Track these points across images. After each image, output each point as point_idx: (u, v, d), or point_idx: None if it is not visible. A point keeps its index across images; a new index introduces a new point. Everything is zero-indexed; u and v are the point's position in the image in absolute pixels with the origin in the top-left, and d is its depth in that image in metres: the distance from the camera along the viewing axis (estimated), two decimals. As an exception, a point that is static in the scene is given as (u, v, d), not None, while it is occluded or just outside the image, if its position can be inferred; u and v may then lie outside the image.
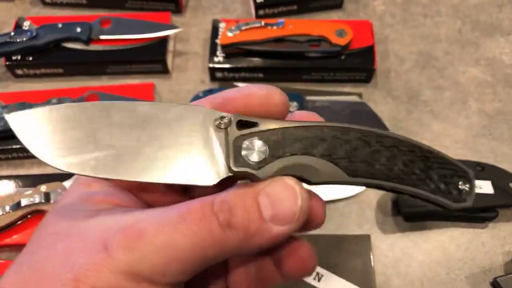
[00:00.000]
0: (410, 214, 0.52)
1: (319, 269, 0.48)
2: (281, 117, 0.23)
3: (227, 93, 0.23)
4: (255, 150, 0.22)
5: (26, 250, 0.22)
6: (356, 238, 0.50)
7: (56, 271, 0.19)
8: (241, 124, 0.22)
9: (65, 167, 0.20)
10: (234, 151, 0.21)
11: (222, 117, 0.22)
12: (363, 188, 0.54)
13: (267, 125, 0.22)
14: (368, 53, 0.60)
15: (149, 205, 0.24)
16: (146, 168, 0.21)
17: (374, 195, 0.54)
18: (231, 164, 0.21)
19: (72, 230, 0.20)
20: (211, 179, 0.21)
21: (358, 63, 0.60)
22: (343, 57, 0.60)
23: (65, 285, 0.19)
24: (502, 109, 0.60)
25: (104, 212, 0.21)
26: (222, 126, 0.22)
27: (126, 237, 0.19)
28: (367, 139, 0.23)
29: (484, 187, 0.51)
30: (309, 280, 0.48)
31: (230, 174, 0.21)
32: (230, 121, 0.22)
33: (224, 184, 0.22)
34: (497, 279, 0.47)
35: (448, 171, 0.24)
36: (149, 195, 0.24)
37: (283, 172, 0.22)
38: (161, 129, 0.21)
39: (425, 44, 0.65)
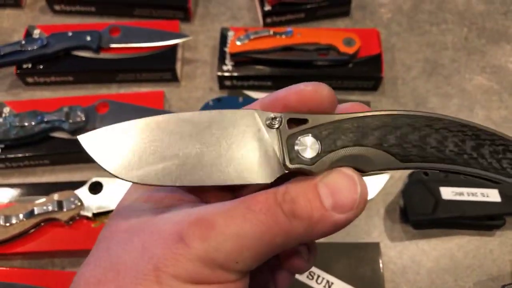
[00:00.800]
0: (418, 222, 0.52)
1: (329, 277, 0.49)
2: (330, 111, 0.24)
3: (276, 94, 0.24)
4: (307, 146, 0.23)
5: (97, 248, 0.23)
6: (365, 246, 0.51)
7: (135, 263, 0.20)
8: (292, 122, 0.23)
9: (137, 180, 0.22)
10: (288, 149, 0.23)
11: (273, 118, 0.23)
12: (372, 195, 0.54)
13: (317, 121, 0.23)
14: (375, 62, 0.61)
15: (204, 202, 0.25)
16: (208, 173, 0.22)
17: (382, 203, 0.55)
18: (286, 162, 0.22)
19: (144, 225, 0.22)
20: (268, 177, 0.23)
21: (365, 72, 0.60)
22: (351, 65, 0.61)
23: (146, 275, 0.20)
24: (509, 117, 0.60)
25: (171, 207, 0.23)
26: (275, 125, 0.23)
27: (200, 228, 0.20)
28: (416, 124, 0.24)
29: (492, 195, 0.51)
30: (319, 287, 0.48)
31: (286, 171, 0.22)
32: (281, 120, 0.23)
33: (277, 180, 0.23)
34: (505, 287, 0.48)
35: (499, 147, 0.24)
36: (203, 193, 0.25)
37: (337, 164, 0.23)
38: (218, 135, 0.23)
39: (431, 51, 0.66)
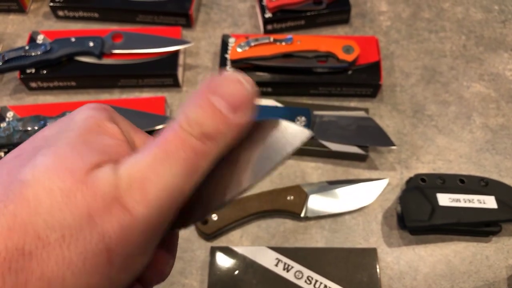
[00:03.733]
0: (415, 228, 0.53)
1: (326, 281, 0.50)
2: None
3: None
4: None
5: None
6: (362, 251, 0.52)
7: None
8: None
9: None
10: None
11: None
12: (370, 201, 0.55)
13: None
14: (374, 69, 0.61)
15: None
16: None
17: (380, 209, 0.56)
18: None
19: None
20: None
21: (364, 79, 0.61)
22: (350, 72, 0.61)
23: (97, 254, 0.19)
24: (506, 124, 0.61)
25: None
26: None
27: (137, 190, 0.20)
28: None
29: (488, 202, 0.52)
30: (317, 292, 0.49)
31: None
32: None
33: None
34: (501, 293, 0.49)
35: None
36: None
37: None
38: None
39: (430, 59, 0.67)
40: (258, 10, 0.69)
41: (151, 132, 0.57)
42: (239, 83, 0.21)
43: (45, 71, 0.63)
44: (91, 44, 0.63)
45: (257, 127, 0.23)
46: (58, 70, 0.63)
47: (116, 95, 0.65)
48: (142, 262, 0.21)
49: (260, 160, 0.23)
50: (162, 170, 0.20)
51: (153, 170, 0.20)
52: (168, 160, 0.20)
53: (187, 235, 0.55)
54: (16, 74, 0.63)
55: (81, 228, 0.18)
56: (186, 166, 0.20)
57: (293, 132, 0.23)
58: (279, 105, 0.60)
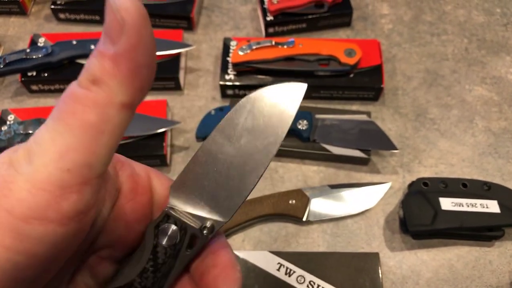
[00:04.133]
0: (417, 232, 0.53)
1: (328, 286, 0.49)
2: None
3: None
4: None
5: None
6: (364, 255, 0.51)
7: None
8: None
9: None
10: None
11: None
12: (372, 204, 0.55)
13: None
14: (376, 72, 0.61)
15: None
16: None
17: (382, 213, 0.55)
18: None
19: None
20: None
21: (366, 82, 0.61)
22: (352, 75, 0.61)
23: None
24: (508, 128, 0.61)
25: None
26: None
27: (27, 150, 0.19)
28: None
29: (491, 206, 0.52)
30: (319, 297, 0.49)
31: None
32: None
33: None
34: (504, 298, 0.48)
35: None
36: None
37: None
38: None
39: (432, 62, 0.66)
40: (259, 13, 0.69)
41: (153, 136, 0.57)
42: (111, 11, 0.18)
43: (46, 74, 0.63)
44: (92, 47, 0.63)
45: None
46: (59, 73, 0.63)
47: (118, 98, 0.64)
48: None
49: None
50: (55, 125, 0.18)
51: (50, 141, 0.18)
52: (64, 118, 0.18)
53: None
54: (17, 77, 0.63)
55: None
56: (75, 122, 0.18)
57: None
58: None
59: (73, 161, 0.18)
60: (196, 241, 0.23)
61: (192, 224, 0.23)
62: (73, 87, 0.19)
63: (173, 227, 0.23)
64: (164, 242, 0.23)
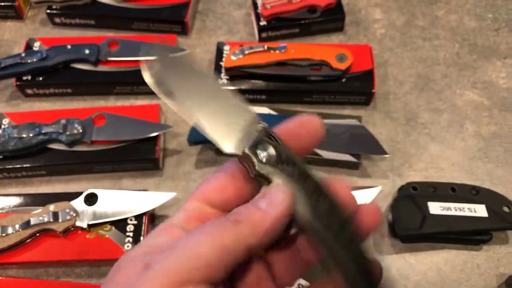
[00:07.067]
0: (406, 236, 0.53)
1: (317, 289, 0.50)
2: (316, 139, 0.27)
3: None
4: (267, 152, 0.25)
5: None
6: (354, 259, 0.52)
7: None
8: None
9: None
10: (253, 144, 0.25)
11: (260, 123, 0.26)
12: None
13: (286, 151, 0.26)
14: (367, 77, 0.62)
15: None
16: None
17: (372, 217, 0.56)
18: (245, 147, 0.25)
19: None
20: (227, 148, 0.26)
21: (357, 87, 0.61)
22: (343, 80, 0.62)
23: None
24: (498, 132, 0.61)
25: None
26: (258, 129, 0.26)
27: (162, 253, 0.23)
28: None
29: (479, 210, 0.52)
30: (308, 300, 0.49)
31: (239, 154, 0.25)
32: (264, 130, 0.26)
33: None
34: (491, 301, 0.49)
35: None
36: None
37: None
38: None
39: (423, 67, 0.67)
40: (253, 17, 0.70)
41: (145, 140, 0.58)
42: (278, 185, 0.25)
43: (41, 78, 0.64)
44: (87, 51, 0.64)
45: None
46: (54, 77, 0.64)
47: (112, 102, 0.65)
48: None
49: None
50: (192, 239, 0.23)
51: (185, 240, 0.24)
52: (202, 233, 0.23)
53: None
54: (13, 81, 0.64)
55: None
56: (213, 238, 0.23)
57: None
58: (273, 112, 0.60)
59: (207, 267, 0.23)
60: None
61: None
62: (223, 219, 0.24)
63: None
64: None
